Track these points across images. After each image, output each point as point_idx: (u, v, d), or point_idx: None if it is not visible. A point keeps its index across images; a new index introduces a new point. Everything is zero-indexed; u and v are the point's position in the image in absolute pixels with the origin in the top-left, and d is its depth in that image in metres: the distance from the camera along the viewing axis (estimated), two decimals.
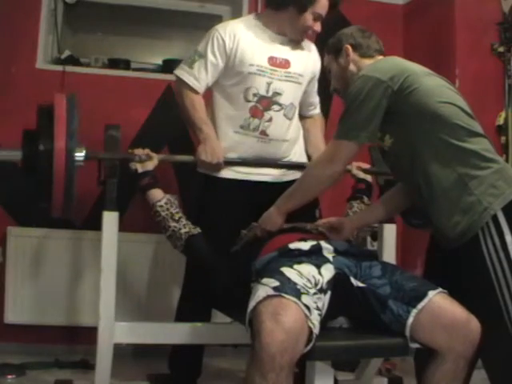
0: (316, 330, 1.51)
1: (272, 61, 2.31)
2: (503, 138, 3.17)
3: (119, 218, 2.14)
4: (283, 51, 2.35)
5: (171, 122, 3.21)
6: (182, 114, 2.37)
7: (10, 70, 3.08)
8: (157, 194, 2.13)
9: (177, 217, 2.08)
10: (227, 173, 2.32)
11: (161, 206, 2.10)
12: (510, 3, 3.19)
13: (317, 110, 2.64)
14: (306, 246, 1.79)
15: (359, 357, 1.90)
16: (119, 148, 2.19)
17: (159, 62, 3.45)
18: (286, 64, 2.33)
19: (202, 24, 3.60)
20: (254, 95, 2.29)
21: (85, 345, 2.89)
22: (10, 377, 2.63)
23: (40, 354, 2.89)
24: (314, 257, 1.73)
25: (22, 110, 2.91)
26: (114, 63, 3.32)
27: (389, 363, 2.85)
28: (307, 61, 2.43)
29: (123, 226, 2.22)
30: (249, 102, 2.29)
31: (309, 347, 1.50)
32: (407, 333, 1.63)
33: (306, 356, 1.52)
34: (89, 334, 2.45)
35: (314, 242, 1.80)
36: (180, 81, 2.31)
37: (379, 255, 2.41)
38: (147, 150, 2.21)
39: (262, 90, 2.29)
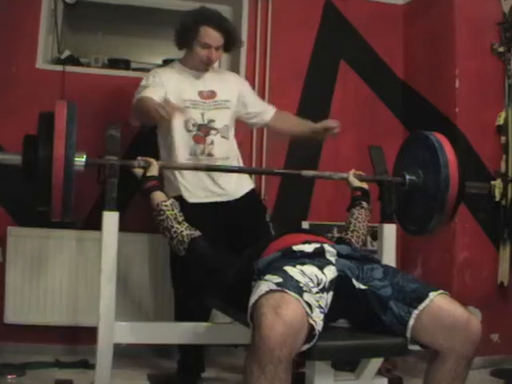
0: (319, 327, 1.51)
1: (203, 94, 2.65)
2: (503, 138, 3.17)
3: (119, 217, 2.14)
4: (207, 84, 2.68)
5: None
6: (138, 115, 2.58)
7: (10, 69, 3.08)
8: (160, 196, 2.15)
9: (180, 219, 2.08)
10: (191, 199, 2.59)
11: (166, 206, 2.09)
12: (510, 3, 3.19)
13: (271, 112, 2.86)
14: (309, 248, 1.79)
15: (359, 357, 1.89)
16: (119, 148, 2.19)
17: (159, 62, 3.44)
18: (212, 95, 2.67)
19: None
20: (194, 125, 2.61)
21: (85, 345, 2.89)
22: (10, 377, 2.63)
23: (40, 353, 2.89)
24: (317, 259, 1.74)
25: (22, 109, 2.93)
26: (114, 63, 3.32)
27: (389, 363, 2.85)
28: (229, 86, 2.74)
29: (123, 226, 2.22)
30: (190, 131, 2.60)
31: (311, 344, 1.50)
32: (408, 334, 1.63)
33: (306, 355, 1.52)
34: (89, 334, 2.45)
35: (318, 245, 1.81)
36: (134, 103, 2.56)
37: (379, 255, 2.41)
38: (145, 158, 2.23)
39: (200, 120, 2.61)
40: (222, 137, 2.66)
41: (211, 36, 2.57)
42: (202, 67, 2.67)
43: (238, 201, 2.67)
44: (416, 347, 1.68)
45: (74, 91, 3.02)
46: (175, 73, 2.67)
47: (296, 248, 1.79)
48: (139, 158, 2.23)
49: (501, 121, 3.17)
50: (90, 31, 3.48)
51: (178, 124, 2.58)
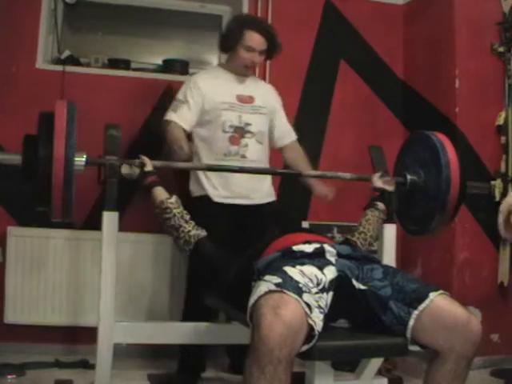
0: (318, 328, 1.51)
1: (241, 98, 2.74)
2: (503, 138, 3.17)
3: (119, 217, 2.14)
4: (246, 89, 2.78)
5: None
6: (168, 146, 2.66)
7: (10, 69, 3.07)
8: (163, 192, 2.11)
9: (187, 217, 2.06)
10: (216, 198, 2.67)
11: (172, 203, 2.06)
12: (510, 3, 3.19)
13: (292, 138, 2.94)
14: (309, 248, 1.79)
15: (359, 357, 1.90)
16: (119, 148, 2.19)
17: (159, 61, 3.45)
18: (250, 100, 2.76)
19: (201, 24, 3.61)
20: (231, 126, 2.69)
21: (85, 345, 2.89)
22: (10, 377, 2.63)
23: (40, 353, 2.89)
24: (317, 259, 1.74)
25: (22, 109, 2.93)
26: (114, 63, 3.31)
27: (389, 363, 2.85)
28: (267, 95, 2.86)
29: (123, 226, 2.22)
30: (226, 132, 2.68)
31: (311, 344, 1.50)
32: (408, 334, 1.63)
33: (306, 355, 1.52)
34: (89, 334, 2.45)
35: (318, 245, 1.81)
36: (167, 122, 2.67)
37: (379, 255, 2.41)
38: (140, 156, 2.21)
39: (236, 122, 2.70)
40: (257, 141, 2.74)
41: (256, 40, 2.68)
42: (243, 70, 2.77)
43: (258, 206, 2.75)
44: (416, 347, 1.68)
45: (74, 91, 3.02)
46: (212, 77, 2.77)
47: (296, 248, 1.79)
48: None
49: (501, 121, 3.17)
50: (89, 31, 3.48)
51: (215, 124, 2.68)
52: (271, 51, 2.77)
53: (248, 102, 2.75)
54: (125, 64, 3.33)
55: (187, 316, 2.70)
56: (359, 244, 2.16)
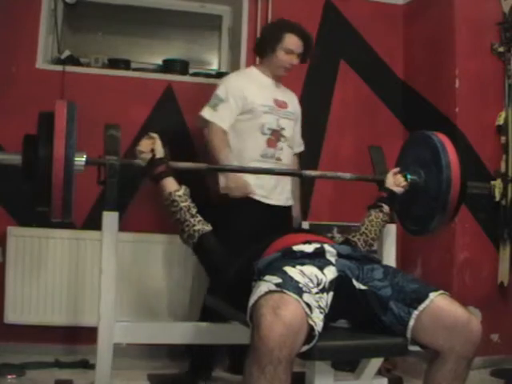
0: (318, 328, 1.51)
1: (277, 102, 2.81)
2: (503, 138, 3.17)
3: (119, 217, 2.14)
4: (280, 94, 2.86)
5: (171, 122, 3.23)
6: (209, 149, 2.71)
7: (10, 69, 3.08)
8: (172, 184, 2.03)
9: (194, 211, 1.99)
10: (255, 196, 2.72)
11: (179, 196, 1.99)
12: (510, 3, 3.19)
13: (301, 148, 3.04)
14: (309, 248, 1.79)
15: (359, 357, 1.90)
16: (119, 148, 2.18)
17: (159, 61, 3.45)
18: (283, 105, 2.84)
19: (201, 24, 3.61)
20: (269, 129, 2.76)
21: (85, 345, 2.89)
22: (10, 377, 2.63)
23: (40, 353, 2.89)
24: (317, 259, 1.73)
25: (22, 109, 2.93)
26: (114, 63, 3.32)
27: (389, 363, 2.85)
28: (295, 103, 2.95)
29: (123, 226, 2.22)
30: (265, 134, 2.74)
31: (311, 344, 1.50)
32: (408, 334, 1.63)
33: (306, 355, 1.52)
34: (89, 334, 2.45)
35: (318, 245, 1.80)
36: (206, 121, 2.70)
37: (379, 255, 2.41)
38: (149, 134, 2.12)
39: (274, 125, 2.77)
40: (288, 146, 2.83)
41: (295, 43, 2.77)
42: (281, 72, 2.83)
43: (284, 208, 2.85)
44: (416, 347, 1.68)
45: (74, 91, 3.02)
46: (252, 79, 2.82)
47: (296, 248, 1.79)
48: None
49: (501, 121, 3.17)
50: (89, 31, 3.48)
51: (253, 126, 2.73)
52: (305, 55, 2.84)
53: (283, 107, 2.83)
54: (125, 64, 3.33)
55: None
56: (359, 245, 2.14)
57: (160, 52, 3.52)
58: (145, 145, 2.08)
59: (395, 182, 2.34)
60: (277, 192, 2.79)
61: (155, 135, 2.10)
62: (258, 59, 3.02)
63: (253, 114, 2.73)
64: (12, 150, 2.12)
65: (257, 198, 2.72)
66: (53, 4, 3.24)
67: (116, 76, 3.23)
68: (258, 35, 2.89)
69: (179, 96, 3.27)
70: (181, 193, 2.01)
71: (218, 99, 2.71)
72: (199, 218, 2.00)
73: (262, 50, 2.84)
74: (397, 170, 2.38)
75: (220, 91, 2.73)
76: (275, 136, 2.77)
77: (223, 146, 2.68)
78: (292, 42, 2.77)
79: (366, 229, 2.19)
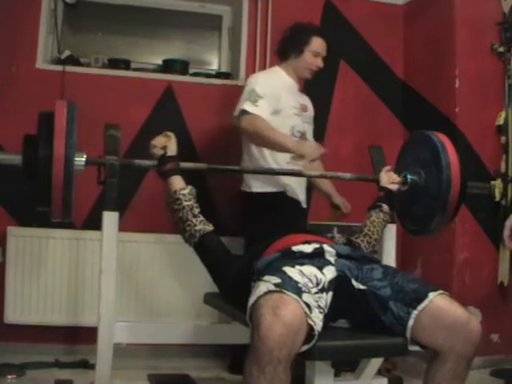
0: (318, 328, 1.51)
1: (301, 106, 2.84)
2: (503, 138, 3.17)
3: (119, 217, 2.14)
4: (301, 98, 2.88)
5: (171, 122, 3.22)
6: (258, 140, 2.63)
7: (10, 69, 3.08)
8: (179, 182, 2.06)
9: (196, 211, 2.01)
10: (293, 195, 2.77)
11: (184, 195, 2.02)
12: (510, 3, 3.19)
13: None
14: (308, 248, 1.79)
15: (359, 357, 1.90)
16: (119, 148, 2.18)
17: (159, 61, 3.45)
18: (305, 108, 2.87)
19: (201, 24, 3.61)
20: (298, 131, 2.77)
21: (85, 345, 2.89)
22: (10, 377, 2.63)
23: (40, 353, 2.89)
24: (316, 259, 1.73)
25: (22, 109, 2.93)
26: (114, 63, 3.31)
27: (389, 363, 2.85)
28: (312, 108, 2.96)
29: (123, 226, 2.21)
30: (294, 137, 2.72)
31: (311, 344, 1.50)
32: (408, 334, 1.63)
33: (306, 355, 1.52)
34: (89, 334, 2.45)
35: (317, 245, 1.80)
36: (249, 114, 2.59)
37: (379, 255, 2.41)
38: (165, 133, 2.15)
39: (301, 128, 2.79)
40: None
41: (322, 45, 2.81)
42: (307, 74, 2.83)
43: (305, 210, 2.93)
44: (416, 347, 1.68)
45: (74, 91, 3.02)
46: (282, 79, 2.81)
47: (295, 248, 1.79)
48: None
49: (501, 121, 3.17)
50: (89, 31, 3.48)
51: (284, 128, 2.69)
52: (327, 58, 2.86)
53: (304, 110, 2.86)
54: (125, 64, 3.33)
55: None
56: (363, 247, 2.14)
57: (160, 52, 3.52)
58: (159, 141, 2.12)
59: (389, 179, 2.35)
60: (302, 192, 2.85)
61: (171, 134, 2.13)
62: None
63: (283, 116, 2.71)
64: (12, 150, 2.13)
65: (290, 195, 2.77)
66: (53, 4, 3.24)
67: (116, 76, 3.23)
68: (283, 37, 2.85)
69: (179, 96, 3.26)
70: (186, 192, 2.03)
71: (257, 95, 2.63)
72: (201, 218, 2.01)
73: (288, 51, 2.82)
74: (389, 167, 2.40)
75: (258, 88, 2.65)
76: (302, 138, 2.77)
77: (270, 125, 2.58)
78: (319, 44, 2.79)
79: (368, 230, 2.19)
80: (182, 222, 2.01)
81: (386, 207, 2.28)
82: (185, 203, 2.00)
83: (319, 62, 2.82)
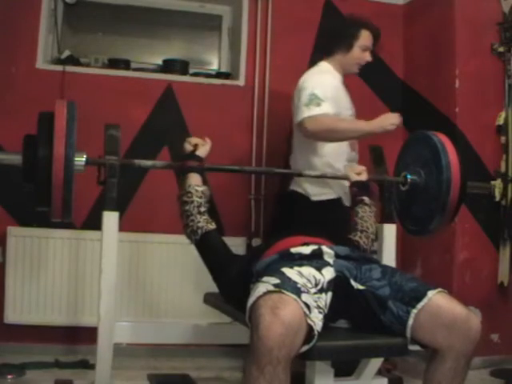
0: (318, 328, 1.51)
1: (351, 105, 2.75)
2: (503, 138, 3.16)
3: (119, 217, 2.14)
4: (348, 95, 2.77)
5: (171, 122, 3.23)
6: (332, 136, 2.54)
7: (10, 69, 3.07)
8: (197, 179, 2.11)
9: (202, 209, 2.03)
10: (346, 202, 2.59)
11: (196, 191, 2.05)
12: (510, 3, 3.19)
13: None
14: (307, 250, 1.79)
15: (359, 357, 1.89)
16: (119, 148, 2.19)
17: (159, 62, 3.45)
18: (352, 108, 2.77)
19: (201, 24, 3.61)
20: None
21: (85, 345, 2.89)
22: (10, 377, 2.63)
23: (40, 353, 2.89)
24: (315, 260, 1.73)
25: (22, 109, 2.93)
26: (114, 63, 3.31)
27: (389, 363, 2.85)
28: None
29: (123, 226, 2.22)
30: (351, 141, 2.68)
31: (311, 344, 1.50)
32: (408, 333, 1.63)
33: (305, 356, 1.52)
34: (89, 334, 2.45)
35: (316, 247, 1.80)
36: (315, 116, 2.48)
37: (379, 255, 2.41)
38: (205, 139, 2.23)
39: None
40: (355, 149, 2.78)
41: (370, 39, 2.73)
42: (356, 70, 2.77)
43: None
44: (416, 347, 1.68)
45: (74, 91, 3.02)
46: (336, 78, 2.72)
47: (294, 250, 1.79)
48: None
49: (501, 121, 3.17)
50: (90, 31, 3.48)
51: None
52: (373, 51, 2.80)
53: (353, 110, 2.79)
54: (125, 64, 3.33)
55: None
56: (362, 243, 2.13)
57: (160, 52, 3.52)
58: (194, 139, 2.22)
59: (354, 171, 2.36)
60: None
61: (209, 141, 2.23)
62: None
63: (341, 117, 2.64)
64: (12, 150, 2.13)
65: (344, 203, 2.65)
66: (53, 4, 3.24)
67: (116, 76, 3.23)
68: (329, 31, 2.81)
69: (179, 96, 3.26)
70: (200, 189, 2.07)
71: (319, 99, 2.52)
72: (206, 216, 2.02)
73: (336, 46, 2.72)
74: (346, 164, 2.44)
75: (317, 91, 2.53)
76: (354, 140, 2.73)
77: (337, 118, 2.55)
78: (368, 38, 2.72)
79: (361, 226, 2.19)
80: (187, 216, 2.02)
81: (367, 199, 2.28)
82: (195, 198, 2.03)
83: (368, 57, 2.73)
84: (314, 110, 2.48)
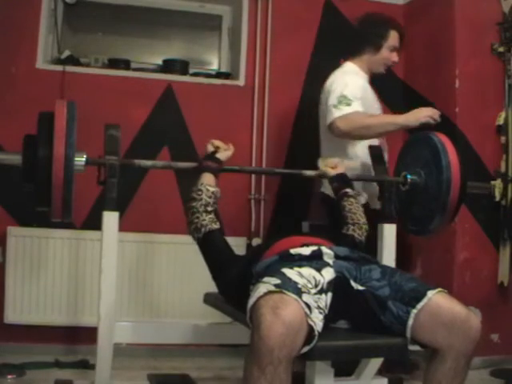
0: (318, 328, 1.51)
1: (378, 104, 2.77)
2: (503, 138, 3.16)
3: (119, 217, 2.14)
4: (374, 94, 2.78)
5: (171, 122, 3.23)
6: (365, 133, 2.54)
7: (10, 69, 3.07)
8: (210, 179, 2.13)
9: (209, 209, 2.03)
10: (373, 205, 2.57)
11: (207, 190, 2.06)
12: (510, 3, 3.19)
13: None
14: (306, 251, 1.79)
15: (359, 357, 1.90)
16: (119, 148, 2.19)
17: (159, 62, 3.45)
18: (380, 108, 2.79)
19: (201, 24, 3.61)
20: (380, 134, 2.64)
21: (85, 345, 2.89)
22: (10, 377, 2.63)
23: (40, 353, 2.89)
24: (315, 261, 1.73)
25: (22, 109, 2.93)
26: (114, 63, 3.31)
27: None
28: None
29: (123, 226, 2.22)
30: (378, 138, 2.67)
31: (311, 345, 1.50)
32: (408, 334, 1.63)
33: (306, 356, 1.52)
34: (89, 334, 2.46)
35: (315, 248, 1.80)
36: (346, 115, 2.49)
37: (379, 255, 2.41)
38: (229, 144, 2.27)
39: None
40: None
41: (397, 40, 2.73)
42: (383, 70, 2.77)
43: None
44: (416, 347, 1.68)
45: (74, 91, 3.02)
46: (364, 78, 2.73)
47: (293, 251, 1.79)
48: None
49: (501, 121, 3.17)
50: (90, 31, 3.48)
51: None
52: (399, 50, 2.79)
53: (379, 109, 2.78)
54: (125, 64, 3.33)
55: None
56: (356, 235, 2.16)
57: (160, 52, 3.52)
58: (217, 142, 2.26)
59: (328, 165, 2.37)
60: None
61: (232, 147, 2.26)
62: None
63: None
64: (12, 150, 2.13)
65: (371, 205, 2.62)
66: (53, 4, 3.24)
67: (116, 76, 3.23)
68: (357, 31, 2.79)
69: (179, 96, 3.26)
70: (211, 189, 2.08)
71: (348, 99, 2.52)
72: (211, 215, 2.03)
73: (363, 47, 2.72)
74: (319, 158, 2.45)
75: (347, 92, 2.54)
76: (383, 139, 2.72)
77: (368, 114, 2.55)
78: (396, 38, 2.72)
79: (352, 219, 2.21)
80: (192, 213, 2.03)
81: (350, 191, 2.29)
82: (204, 196, 2.04)
83: (395, 57, 2.74)
84: (345, 110, 2.49)
